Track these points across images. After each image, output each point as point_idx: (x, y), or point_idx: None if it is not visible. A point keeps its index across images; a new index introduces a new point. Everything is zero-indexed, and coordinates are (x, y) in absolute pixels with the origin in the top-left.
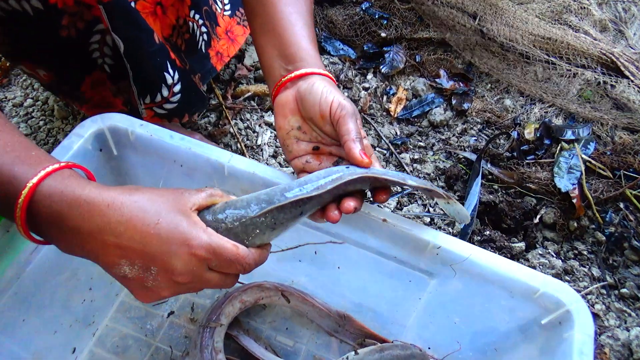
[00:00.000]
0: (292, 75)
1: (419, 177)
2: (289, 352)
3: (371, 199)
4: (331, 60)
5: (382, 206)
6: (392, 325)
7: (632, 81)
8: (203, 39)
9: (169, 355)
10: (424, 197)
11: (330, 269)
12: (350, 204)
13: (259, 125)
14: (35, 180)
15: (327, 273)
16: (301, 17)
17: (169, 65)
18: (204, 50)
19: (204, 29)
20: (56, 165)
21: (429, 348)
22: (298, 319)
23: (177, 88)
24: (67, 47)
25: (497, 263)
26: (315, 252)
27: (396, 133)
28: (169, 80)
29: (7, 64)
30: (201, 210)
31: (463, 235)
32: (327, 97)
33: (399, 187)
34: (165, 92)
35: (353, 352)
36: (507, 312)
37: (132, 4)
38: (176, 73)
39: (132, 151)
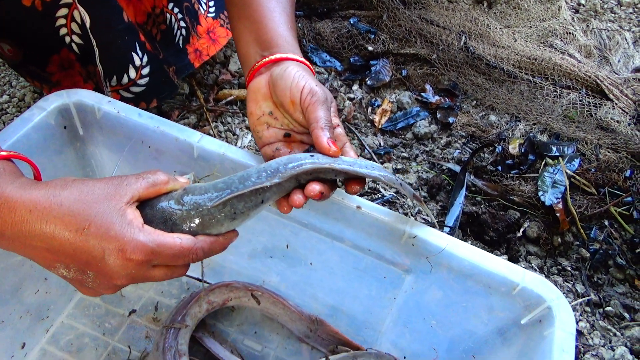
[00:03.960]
0: (266, 59)
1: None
2: (256, 357)
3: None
4: (317, 70)
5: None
6: (367, 330)
7: (616, 104)
8: (181, 34)
9: (126, 355)
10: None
11: (302, 265)
12: (315, 187)
13: (240, 129)
14: None
15: (299, 271)
16: (279, 4)
17: (137, 46)
18: (181, 45)
19: (182, 24)
20: None
21: (405, 358)
22: (268, 323)
23: (146, 71)
24: (32, 20)
25: (474, 255)
26: (287, 246)
27: (380, 144)
28: (137, 62)
29: None
30: (152, 199)
31: None
32: (299, 82)
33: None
34: (132, 74)
35: (324, 358)
36: (485, 311)
37: None
38: (145, 56)
39: (99, 131)
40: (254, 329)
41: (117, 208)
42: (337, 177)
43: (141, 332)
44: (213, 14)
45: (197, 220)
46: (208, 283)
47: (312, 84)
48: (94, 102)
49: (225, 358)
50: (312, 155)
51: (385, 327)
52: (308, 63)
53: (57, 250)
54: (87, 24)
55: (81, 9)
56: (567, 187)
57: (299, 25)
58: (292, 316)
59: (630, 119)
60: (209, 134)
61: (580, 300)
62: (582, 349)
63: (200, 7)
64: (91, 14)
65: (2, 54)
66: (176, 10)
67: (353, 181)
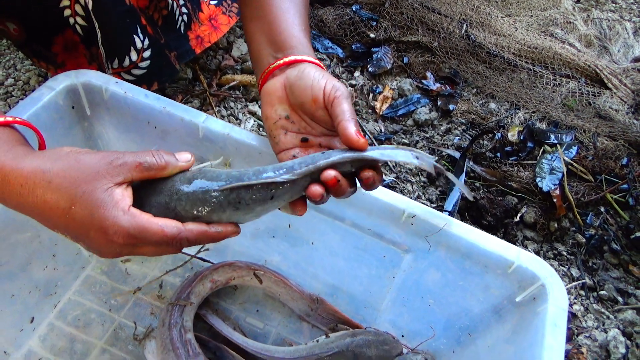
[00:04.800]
0: (281, 62)
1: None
2: (257, 334)
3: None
4: (319, 57)
5: None
6: (366, 309)
7: (615, 93)
8: (183, 20)
9: (132, 331)
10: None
11: (304, 245)
12: (330, 172)
13: (242, 114)
14: None
15: (300, 251)
16: (294, 5)
17: (139, 29)
18: (182, 31)
19: (184, 10)
20: None
21: (402, 336)
22: (270, 301)
23: (147, 54)
24: (36, 0)
25: (472, 235)
26: (289, 226)
27: (380, 130)
28: (138, 44)
29: None
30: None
31: None
32: (320, 81)
33: None
34: (134, 56)
35: (324, 336)
36: (481, 289)
37: None
38: (146, 39)
39: (106, 111)
40: (256, 307)
41: (104, 188)
42: (352, 168)
43: (146, 309)
44: (215, 1)
45: (198, 200)
46: (212, 263)
47: (334, 80)
48: (101, 82)
49: (229, 335)
50: (323, 153)
51: (384, 306)
52: (323, 65)
53: (50, 221)
54: (90, 6)
55: None
56: (565, 174)
57: None
58: (293, 295)
59: (628, 108)
60: None
61: (575, 283)
62: (576, 330)
63: None
64: None
65: (9, 34)
66: None
67: (365, 168)
